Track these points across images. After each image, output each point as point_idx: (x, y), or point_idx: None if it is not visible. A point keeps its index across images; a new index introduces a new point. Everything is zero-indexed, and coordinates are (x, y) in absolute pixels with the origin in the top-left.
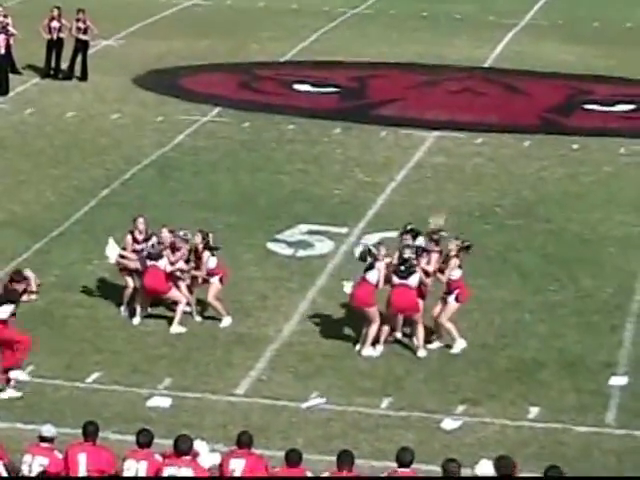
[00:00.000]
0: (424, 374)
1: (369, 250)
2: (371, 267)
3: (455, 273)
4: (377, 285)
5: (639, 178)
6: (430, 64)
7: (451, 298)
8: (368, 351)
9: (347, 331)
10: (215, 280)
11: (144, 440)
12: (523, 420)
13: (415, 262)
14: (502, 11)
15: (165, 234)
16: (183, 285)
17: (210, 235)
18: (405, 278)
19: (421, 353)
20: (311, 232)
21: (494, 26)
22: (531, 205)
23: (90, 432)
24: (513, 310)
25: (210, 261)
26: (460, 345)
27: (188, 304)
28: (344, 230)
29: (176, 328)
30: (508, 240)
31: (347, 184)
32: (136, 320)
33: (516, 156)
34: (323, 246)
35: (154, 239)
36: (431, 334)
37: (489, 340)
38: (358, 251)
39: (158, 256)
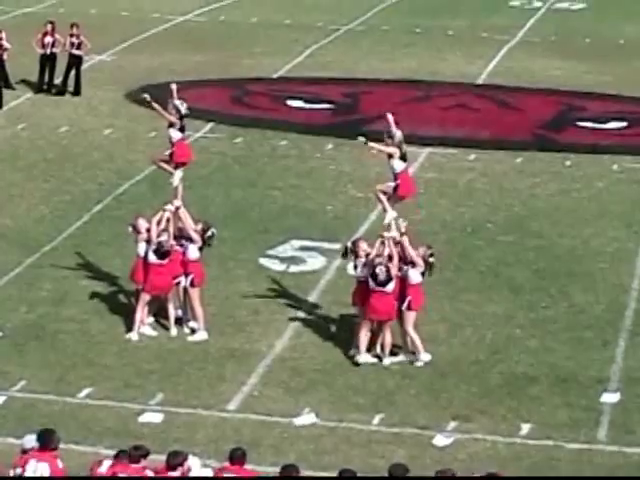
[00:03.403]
0: (415, 389)
1: (347, 247)
2: (389, 280)
3: (414, 277)
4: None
5: (631, 194)
6: (423, 80)
7: (404, 306)
8: (389, 360)
9: (339, 346)
10: (182, 281)
11: (137, 455)
12: (515, 436)
13: (388, 268)
14: (495, 27)
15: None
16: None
17: (211, 232)
18: (383, 285)
19: (387, 361)
20: (303, 248)
21: (487, 42)
22: (523, 220)
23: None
24: (505, 325)
25: (192, 252)
26: (424, 358)
27: (179, 307)
28: (336, 246)
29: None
30: (500, 255)
31: (340, 199)
32: (135, 336)
33: (508, 172)
34: (315, 262)
35: (165, 236)
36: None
37: (481, 355)
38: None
39: (165, 254)
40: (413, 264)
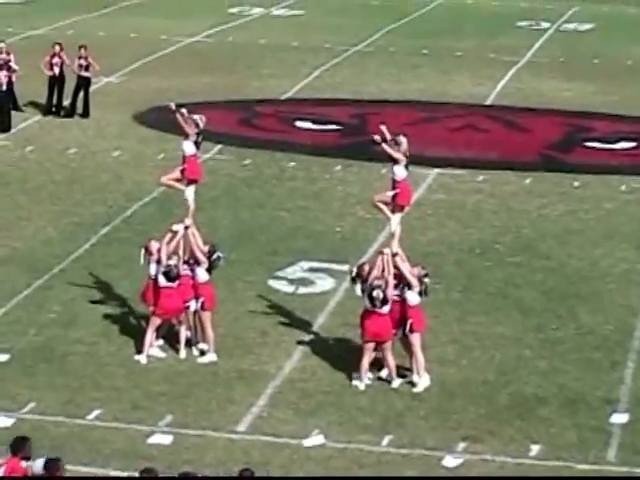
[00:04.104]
0: (424, 411)
1: (352, 272)
2: (385, 302)
3: (413, 299)
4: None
5: (639, 215)
6: (431, 101)
7: (406, 330)
8: (398, 381)
9: (348, 368)
10: (193, 304)
11: (147, 477)
12: (524, 457)
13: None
14: (503, 48)
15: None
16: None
17: (217, 255)
18: (377, 307)
19: (395, 383)
20: (312, 269)
21: (495, 63)
22: (531, 241)
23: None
24: (513, 346)
25: (201, 274)
26: (423, 383)
27: (189, 329)
28: (345, 267)
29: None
30: (508, 276)
31: (348, 221)
32: (144, 359)
33: (517, 193)
34: (324, 283)
35: (175, 259)
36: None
37: (489, 376)
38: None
39: (175, 277)
40: (409, 285)
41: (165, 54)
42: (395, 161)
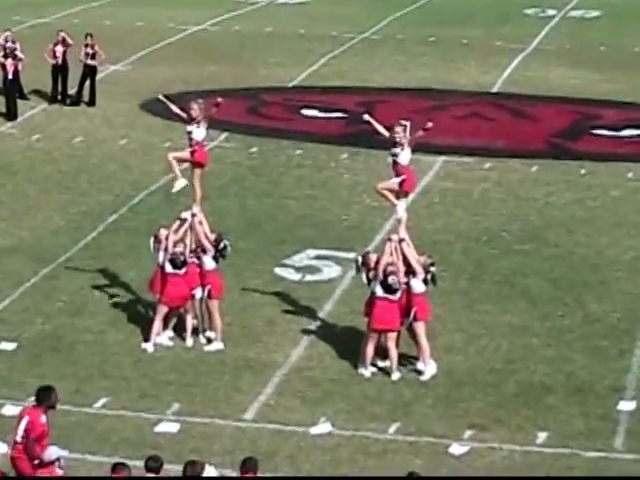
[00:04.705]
0: (432, 399)
1: (357, 261)
2: (398, 288)
3: (417, 287)
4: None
5: None
6: (437, 89)
7: (411, 318)
8: (397, 374)
9: (355, 356)
10: (198, 292)
11: (153, 466)
12: (531, 445)
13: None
14: (509, 36)
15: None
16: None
17: (224, 244)
18: (391, 293)
19: (395, 376)
20: (319, 257)
21: (501, 51)
22: (538, 230)
23: None
24: (521, 335)
25: (208, 262)
26: (430, 371)
27: (196, 317)
28: (352, 255)
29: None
30: (515, 265)
31: (355, 209)
32: (150, 347)
33: (524, 181)
34: (331, 271)
35: (180, 247)
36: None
37: (497, 365)
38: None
39: (182, 264)
40: (414, 273)
41: (171, 43)
42: (401, 145)
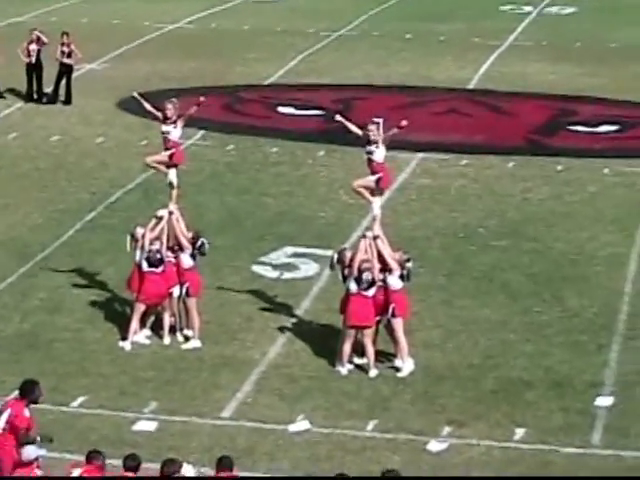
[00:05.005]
0: (410, 396)
1: (332, 258)
2: (372, 284)
3: (395, 283)
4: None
5: (624, 198)
6: (415, 85)
7: (389, 314)
8: (375, 371)
9: (333, 353)
10: (176, 290)
11: (131, 464)
12: (510, 441)
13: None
14: (486, 32)
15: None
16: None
17: (201, 241)
18: (366, 289)
19: (372, 373)
20: (296, 254)
21: (479, 47)
22: (516, 225)
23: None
24: (499, 330)
25: (185, 260)
26: (407, 367)
27: (173, 315)
28: (329, 252)
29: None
30: (494, 260)
31: (332, 206)
32: (128, 345)
33: (501, 177)
34: (308, 268)
35: (157, 244)
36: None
37: (475, 361)
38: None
39: (158, 262)
40: (390, 270)
41: (149, 40)
42: (374, 143)
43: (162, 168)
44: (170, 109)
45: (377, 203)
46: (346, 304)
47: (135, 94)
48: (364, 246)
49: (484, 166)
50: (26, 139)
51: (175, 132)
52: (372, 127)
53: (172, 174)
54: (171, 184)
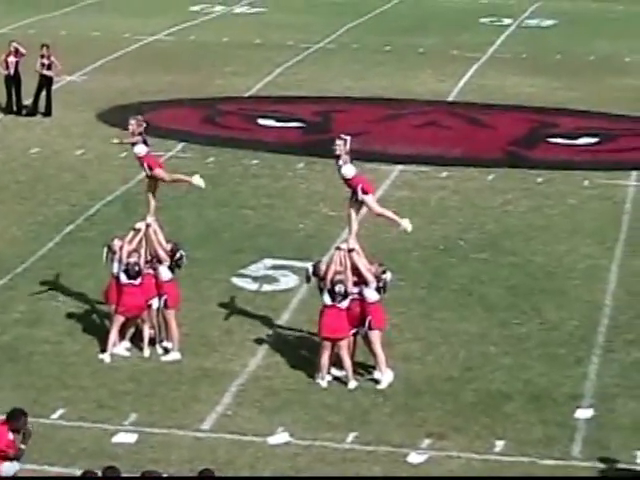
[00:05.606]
0: (390, 408)
1: (307, 271)
2: (345, 297)
3: (371, 296)
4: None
5: (603, 210)
6: (394, 98)
7: (366, 327)
8: (354, 383)
9: (313, 365)
10: (155, 302)
11: (111, 476)
12: (489, 453)
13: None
14: (465, 45)
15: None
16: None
17: (180, 254)
18: (339, 301)
19: (352, 385)
20: (276, 267)
21: (458, 59)
22: (496, 238)
23: None
24: (478, 343)
25: (164, 272)
26: (386, 379)
27: (152, 327)
28: (309, 264)
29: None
30: (473, 273)
31: (312, 218)
32: (107, 358)
33: (481, 189)
34: (288, 280)
35: (135, 257)
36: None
37: (454, 373)
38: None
39: (136, 275)
40: (366, 282)
41: (128, 53)
42: (342, 161)
43: (186, 178)
44: (133, 124)
45: (406, 220)
46: (320, 316)
47: (114, 141)
48: (338, 258)
49: (464, 178)
50: (5, 151)
51: (137, 148)
52: (339, 142)
53: (197, 179)
54: (145, 196)
